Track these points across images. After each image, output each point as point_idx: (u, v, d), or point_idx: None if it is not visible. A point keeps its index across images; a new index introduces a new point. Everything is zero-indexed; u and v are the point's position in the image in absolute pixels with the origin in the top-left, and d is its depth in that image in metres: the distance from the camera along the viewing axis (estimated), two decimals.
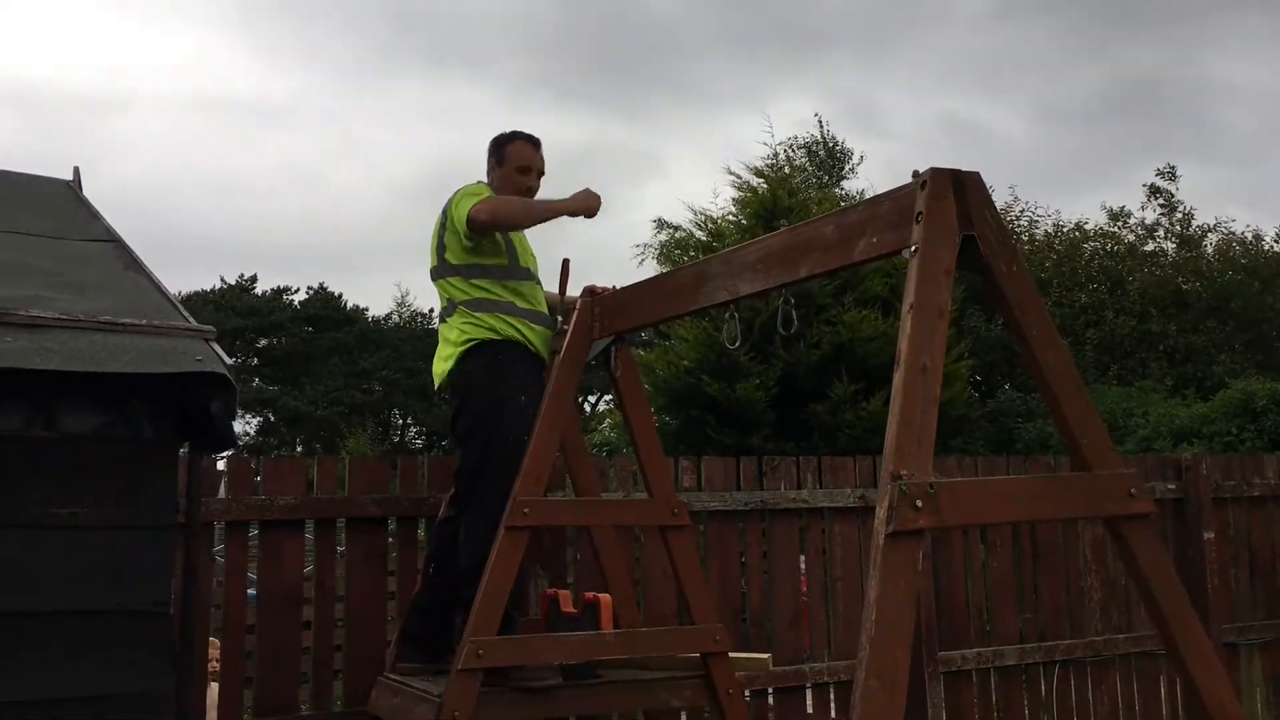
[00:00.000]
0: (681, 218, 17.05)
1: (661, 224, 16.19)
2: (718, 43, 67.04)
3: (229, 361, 2.20)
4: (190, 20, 68.97)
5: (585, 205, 4.03)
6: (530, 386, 4.11)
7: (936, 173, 2.62)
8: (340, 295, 44.81)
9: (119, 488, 2.18)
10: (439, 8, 68.35)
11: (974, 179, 2.65)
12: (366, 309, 45.25)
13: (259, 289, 44.33)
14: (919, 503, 2.33)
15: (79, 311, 2.15)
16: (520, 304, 4.20)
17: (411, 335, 43.61)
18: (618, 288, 4.06)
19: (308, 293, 44.78)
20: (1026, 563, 6.13)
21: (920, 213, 2.58)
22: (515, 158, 4.37)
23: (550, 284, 4.46)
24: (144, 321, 2.19)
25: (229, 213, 63.69)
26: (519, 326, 4.18)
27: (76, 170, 3.31)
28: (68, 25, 67.05)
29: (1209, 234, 21.26)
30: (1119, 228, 20.92)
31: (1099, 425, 2.65)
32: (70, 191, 3.20)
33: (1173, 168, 22.09)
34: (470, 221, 4.03)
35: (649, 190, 65.94)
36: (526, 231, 4.44)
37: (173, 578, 2.25)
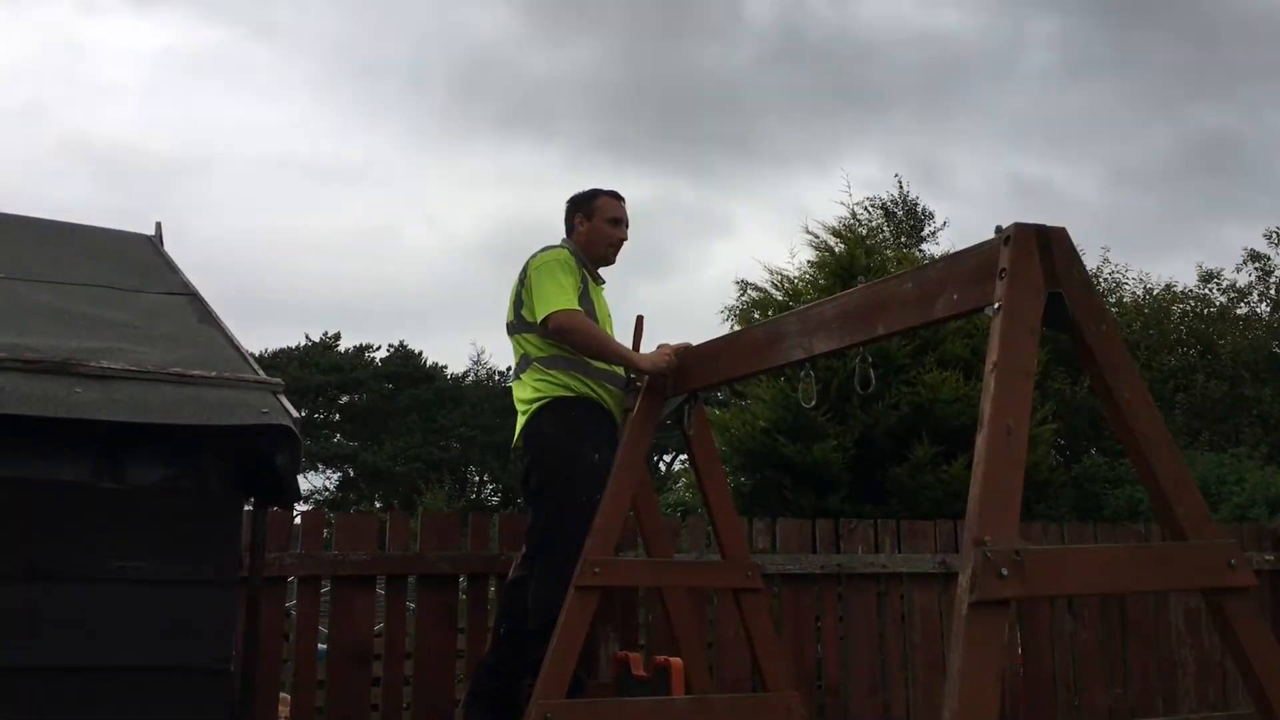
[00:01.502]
0: (756, 277, 17.00)
1: (745, 285, 16.04)
2: (779, 103, 67.60)
3: (296, 414, 2.18)
4: (268, 86, 71.53)
5: (655, 366, 3.97)
6: (603, 445, 4.07)
7: (1020, 228, 2.54)
8: (420, 353, 45.46)
9: (183, 541, 2.16)
10: (504, 72, 69.97)
11: (1060, 234, 2.57)
12: (445, 366, 45.82)
13: (342, 346, 45.15)
14: (1004, 571, 2.23)
15: (149, 363, 2.16)
16: (595, 363, 4.17)
17: (489, 393, 43.99)
18: (692, 345, 4.02)
19: (388, 350, 45.50)
20: (1115, 635, 5.89)
21: (1004, 269, 2.51)
22: (605, 210, 4.38)
23: (624, 342, 4.42)
24: (212, 373, 2.18)
25: (311, 272, 65.28)
26: (593, 385, 4.16)
27: (158, 225, 3.37)
28: (152, 91, 69.83)
29: None
30: (1210, 290, 20.37)
31: (1195, 493, 2.52)
32: (151, 246, 3.26)
33: None
34: (550, 319, 4.05)
35: (715, 249, 66.30)
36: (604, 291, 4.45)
37: (235, 634, 2.23)
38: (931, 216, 19.85)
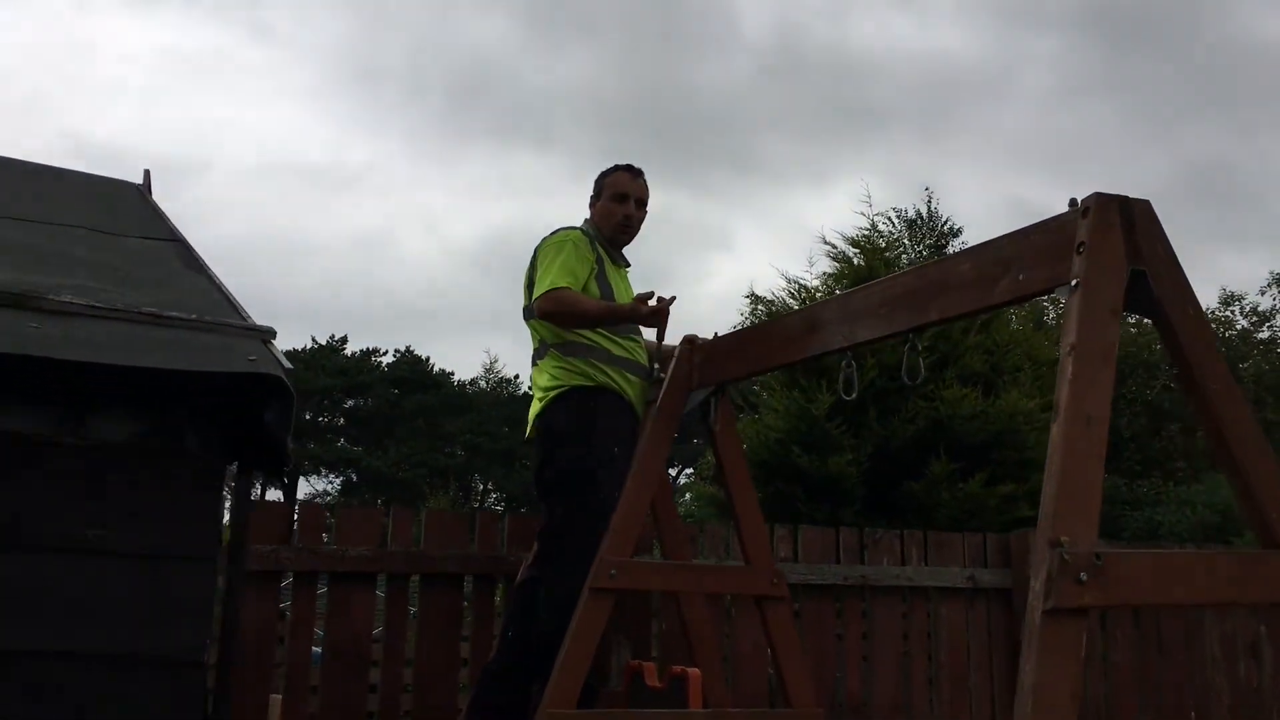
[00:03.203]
0: (764, 288, 16.63)
1: (756, 299, 15.69)
2: (778, 119, 67.89)
3: (288, 365, 1.92)
4: (266, 89, 71.86)
5: (636, 312, 3.76)
6: (623, 439, 3.82)
7: (1102, 199, 2.30)
8: (427, 359, 45.26)
9: (155, 508, 1.87)
10: (502, 80, 70.22)
11: (1144, 208, 2.33)
12: (452, 373, 45.62)
13: (349, 350, 44.97)
14: (1083, 575, 1.98)
15: (119, 302, 1.89)
16: (615, 350, 3.93)
17: (495, 401, 43.80)
18: (719, 335, 3.78)
19: (395, 355, 45.30)
20: (1150, 657, 5.61)
21: (1082, 243, 2.26)
22: (611, 186, 4.15)
23: (649, 333, 4.17)
24: (193, 316, 1.91)
25: (312, 275, 65.38)
26: (612, 374, 3.91)
27: (147, 174, 3.14)
28: (150, 91, 70.08)
29: None
30: (1231, 313, 20.05)
31: None
32: (139, 194, 3.02)
33: None
34: (539, 310, 3.88)
35: (714, 263, 66.37)
36: (629, 274, 4.21)
37: (211, 620, 1.95)
38: (958, 233, 19.34)
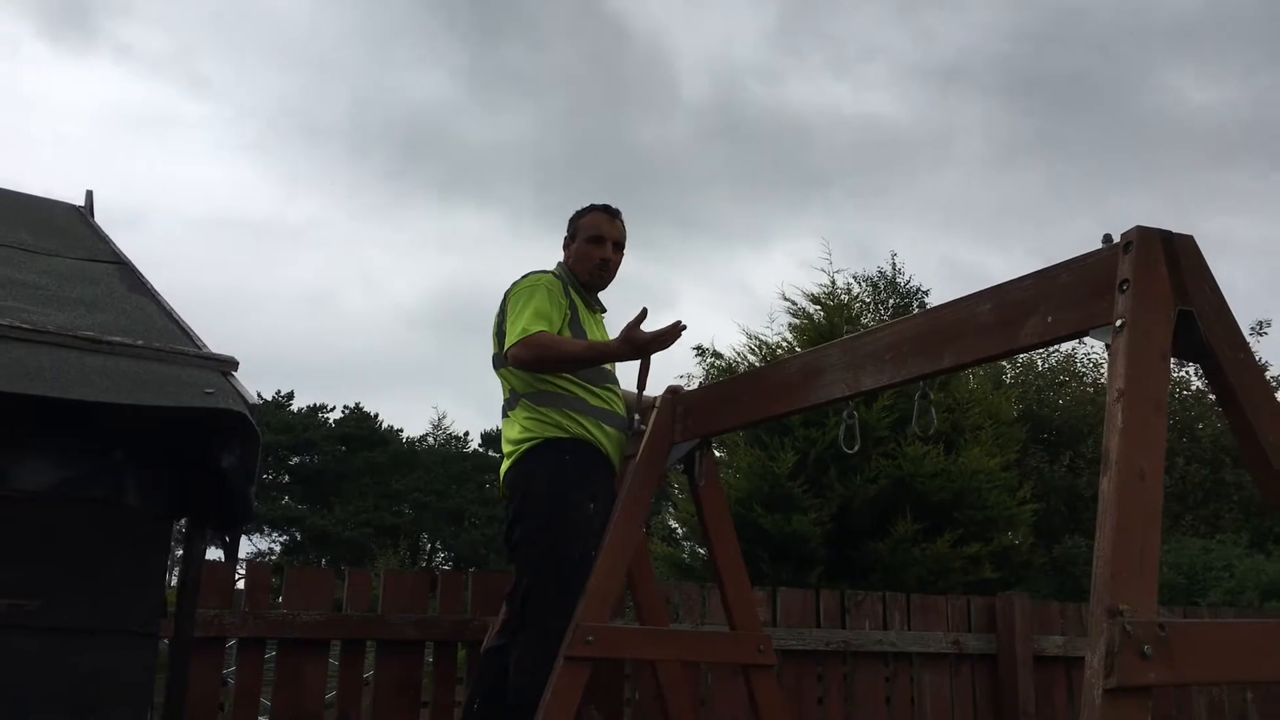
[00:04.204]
0: (723, 344, 16.51)
1: (702, 351, 15.57)
2: (719, 179, 68.86)
3: (253, 399, 1.63)
4: (205, 144, 71.64)
5: (630, 343, 3.47)
6: (600, 494, 3.56)
7: (1145, 233, 2.11)
8: (376, 415, 44.63)
9: (87, 574, 1.58)
10: (443, 138, 70.47)
11: (1188, 244, 2.15)
12: (401, 430, 45.01)
13: (295, 406, 44.26)
14: (1147, 649, 1.76)
15: (49, 324, 1.60)
16: (592, 400, 3.68)
17: (444, 458, 43.21)
18: (704, 384, 3.55)
19: (344, 411, 44.64)
20: None
21: (1126, 280, 2.07)
22: (587, 228, 3.91)
23: (628, 381, 3.93)
24: (138, 342, 1.63)
25: (252, 331, 64.74)
26: (588, 425, 3.65)
27: (89, 194, 2.88)
28: (83, 143, 69.48)
29: None
30: (1186, 373, 20.16)
31: None
32: (79, 215, 2.74)
33: (1262, 322, 20.89)
34: (508, 354, 3.58)
35: (658, 323, 67.09)
36: (606, 320, 3.98)
37: (151, 704, 1.65)
38: (925, 293, 19.29)
